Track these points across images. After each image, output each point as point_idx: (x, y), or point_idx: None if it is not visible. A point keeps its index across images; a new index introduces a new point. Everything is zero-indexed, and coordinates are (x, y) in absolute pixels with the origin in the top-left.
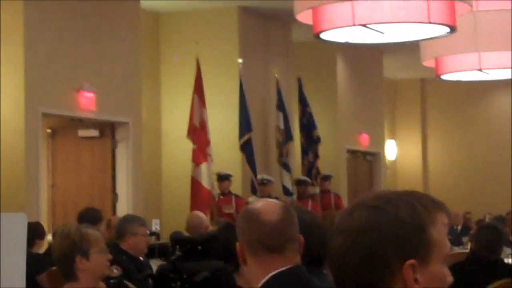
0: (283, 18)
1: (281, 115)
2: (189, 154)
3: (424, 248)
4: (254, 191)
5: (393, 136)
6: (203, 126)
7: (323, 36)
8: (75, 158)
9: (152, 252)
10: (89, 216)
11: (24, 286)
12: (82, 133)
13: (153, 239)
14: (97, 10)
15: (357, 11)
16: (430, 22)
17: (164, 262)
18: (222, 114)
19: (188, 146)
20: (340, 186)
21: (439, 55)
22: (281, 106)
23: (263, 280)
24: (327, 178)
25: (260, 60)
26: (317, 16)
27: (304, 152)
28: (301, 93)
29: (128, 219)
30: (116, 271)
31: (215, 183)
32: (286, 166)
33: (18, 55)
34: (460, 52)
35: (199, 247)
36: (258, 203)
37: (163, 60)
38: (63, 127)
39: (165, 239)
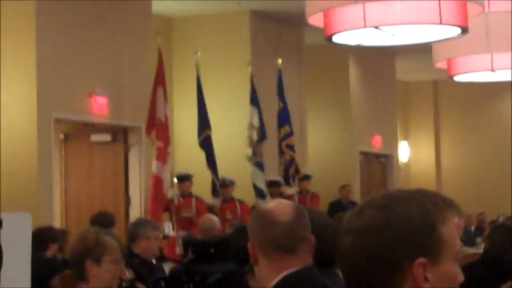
0: (295, 22)
1: (255, 111)
2: (202, 159)
3: (434, 246)
4: (215, 193)
5: (406, 138)
6: (166, 121)
7: (335, 39)
8: (88, 163)
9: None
10: (102, 220)
11: (29, 285)
12: (94, 138)
13: (165, 243)
14: (109, 16)
15: (368, 13)
16: (441, 23)
17: (176, 265)
18: (234, 118)
19: (200, 150)
20: (353, 188)
21: (451, 56)
22: (254, 102)
23: (275, 281)
24: (305, 177)
25: (272, 63)
26: (328, 19)
27: (281, 151)
28: (280, 86)
29: (141, 223)
30: (128, 274)
31: (175, 185)
32: (260, 166)
33: (30, 60)
34: (472, 53)
35: (211, 250)
36: (270, 204)
37: (175, 65)
38: (76, 132)
39: None
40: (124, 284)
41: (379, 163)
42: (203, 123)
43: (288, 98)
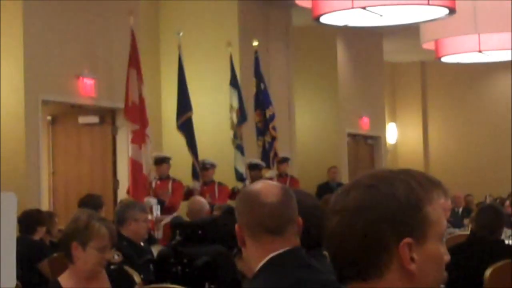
0: (283, 2)
1: (235, 93)
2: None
3: (420, 226)
4: (195, 176)
5: (393, 120)
6: (142, 103)
7: (323, 19)
8: (76, 145)
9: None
10: (90, 203)
11: (14, 268)
12: (82, 120)
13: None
14: None
15: None
16: (429, 4)
17: (164, 247)
18: (223, 98)
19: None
20: (341, 170)
21: (439, 37)
22: (234, 83)
23: (262, 262)
24: (284, 160)
25: (260, 45)
26: (316, 0)
27: (260, 133)
28: (257, 67)
29: (129, 205)
30: (117, 257)
31: (153, 167)
32: (240, 149)
33: (17, 43)
34: (459, 34)
35: (199, 232)
36: (257, 185)
37: (163, 46)
38: (63, 114)
39: None
40: (112, 267)
41: (367, 145)
42: (184, 105)
43: (275, 80)
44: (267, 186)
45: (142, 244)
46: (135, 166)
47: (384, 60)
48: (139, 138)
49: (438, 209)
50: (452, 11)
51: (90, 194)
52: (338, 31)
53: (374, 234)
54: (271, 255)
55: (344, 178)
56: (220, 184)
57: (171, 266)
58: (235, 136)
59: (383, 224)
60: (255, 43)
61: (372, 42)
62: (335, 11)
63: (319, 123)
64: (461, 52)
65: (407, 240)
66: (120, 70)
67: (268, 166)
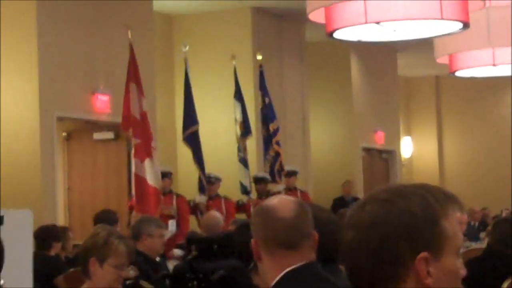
0: (296, 18)
1: (239, 106)
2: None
3: (437, 241)
4: (202, 190)
5: (408, 133)
6: (144, 117)
7: (336, 35)
8: (91, 160)
9: None
10: (106, 218)
11: (32, 283)
12: (97, 135)
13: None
14: (110, 13)
15: (369, 9)
16: (443, 19)
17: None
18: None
19: (203, 147)
20: (356, 184)
21: (453, 51)
22: (238, 96)
23: (278, 277)
24: (291, 174)
25: (273, 60)
26: (329, 15)
27: (266, 147)
28: (262, 81)
29: (145, 221)
30: (132, 272)
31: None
32: (244, 162)
33: (32, 59)
34: (473, 48)
35: (215, 247)
36: (273, 200)
37: (177, 62)
38: (78, 130)
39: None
40: (128, 282)
41: (382, 159)
42: (190, 118)
43: (289, 95)
44: (282, 201)
45: (157, 259)
46: (138, 182)
47: (398, 74)
48: (141, 152)
49: (454, 224)
50: (466, 25)
51: (105, 209)
52: (351, 46)
53: (390, 249)
54: (287, 269)
55: (359, 192)
56: (226, 198)
57: (186, 281)
58: (239, 149)
59: (399, 239)
60: (259, 57)
61: (386, 56)
62: (349, 26)
63: (333, 137)
64: (475, 66)
65: (424, 254)
66: None
67: (275, 181)
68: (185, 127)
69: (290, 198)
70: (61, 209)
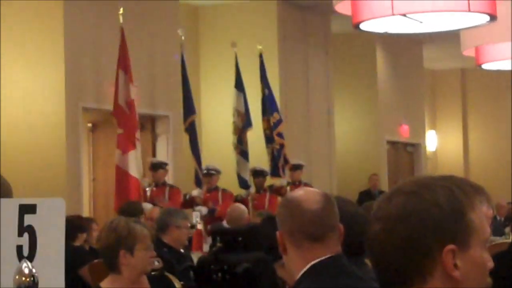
0: (322, 10)
1: (241, 96)
2: (230, 148)
3: (463, 233)
4: (198, 183)
5: (433, 127)
6: (130, 106)
7: (362, 26)
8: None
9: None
10: (130, 209)
11: (63, 272)
12: None
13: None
14: (136, 5)
15: (396, 1)
16: (470, 11)
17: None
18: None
19: (228, 140)
20: (381, 178)
21: (479, 44)
22: (240, 86)
23: (303, 270)
24: (296, 167)
25: (299, 52)
26: (356, 7)
27: (268, 140)
28: (262, 71)
29: (172, 212)
30: (157, 263)
31: (148, 173)
32: (244, 155)
33: (58, 50)
34: (500, 41)
35: (240, 239)
36: (299, 192)
37: (202, 54)
38: (104, 121)
39: None
40: (153, 273)
41: (407, 152)
42: (189, 108)
43: (314, 87)
44: (309, 193)
45: (182, 250)
46: (119, 174)
47: (424, 67)
48: (124, 143)
49: (481, 216)
50: (493, 18)
51: (130, 201)
52: (377, 38)
53: (417, 241)
54: (312, 262)
55: (384, 185)
56: (224, 190)
57: (211, 272)
58: (239, 142)
59: (426, 231)
60: (259, 47)
61: (412, 49)
62: (375, 18)
63: (358, 130)
64: (502, 59)
65: (451, 247)
66: (160, 78)
67: (278, 175)
68: (185, 116)
69: (316, 190)
70: (86, 199)
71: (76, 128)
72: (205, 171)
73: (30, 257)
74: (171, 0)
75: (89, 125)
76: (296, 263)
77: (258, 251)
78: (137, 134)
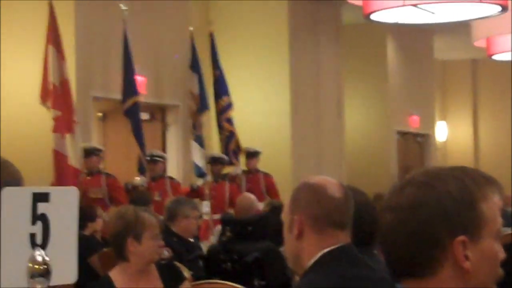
0: (333, 0)
1: (195, 77)
2: (245, 136)
3: (475, 224)
4: (141, 170)
5: (443, 118)
6: (65, 85)
7: (373, 17)
8: (126, 141)
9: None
10: (140, 199)
11: (76, 261)
12: None
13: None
14: None
15: None
16: (481, 1)
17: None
18: (272, 96)
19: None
20: (390, 168)
21: (491, 35)
22: (195, 67)
23: (314, 258)
24: (252, 155)
25: (309, 42)
26: None
27: (219, 125)
28: (213, 52)
29: (181, 202)
30: (166, 253)
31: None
32: (199, 141)
33: (69, 39)
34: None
35: (249, 228)
36: (318, 178)
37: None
38: (114, 111)
39: None
40: (162, 262)
41: (417, 143)
42: (131, 90)
43: (324, 77)
44: (330, 181)
45: (192, 240)
46: (58, 159)
47: (434, 57)
48: (61, 126)
49: (493, 207)
50: (504, 8)
51: (140, 190)
52: (388, 28)
53: (428, 232)
54: (323, 251)
55: (393, 175)
56: (171, 179)
57: (221, 262)
58: (194, 127)
59: (437, 222)
60: (212, 27)
61: (423, 39)
62: (386, 8)
63: (368, 120)
64: None
65: (462, 238)
66: (171, 68)
67: (230, 162)
68: (125, 98)
69: (331, 179)
70: None
71: (86, 117)
72: (148, 158)
73: (43, 245)
74: None
75: (100, 114)
76: (309, 249)
77: (268, 240)
78: (74, 117)
